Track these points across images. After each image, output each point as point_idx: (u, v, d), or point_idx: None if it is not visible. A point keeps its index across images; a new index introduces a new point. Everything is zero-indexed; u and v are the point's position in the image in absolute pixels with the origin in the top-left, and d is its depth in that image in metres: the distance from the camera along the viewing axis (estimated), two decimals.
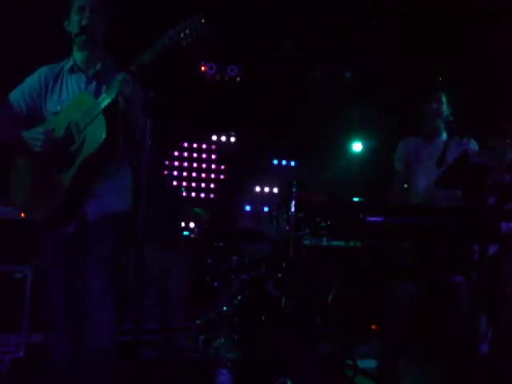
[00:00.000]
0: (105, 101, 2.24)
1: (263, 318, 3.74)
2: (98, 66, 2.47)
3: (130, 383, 2.47)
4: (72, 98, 2.42)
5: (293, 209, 3.92)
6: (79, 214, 2.40)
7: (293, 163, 7.21)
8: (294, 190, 3.89)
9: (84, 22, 2.37)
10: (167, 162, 7.01)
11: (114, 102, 2.24)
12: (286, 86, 6.34)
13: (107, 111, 2.24)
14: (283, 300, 3.76)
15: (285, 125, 6.63)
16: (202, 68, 6.49)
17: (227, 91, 6.46)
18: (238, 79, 6.47)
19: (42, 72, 2.49)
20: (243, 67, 6.48)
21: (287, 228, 4.04)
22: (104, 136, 2.22)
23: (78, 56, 2.48)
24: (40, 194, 2.39)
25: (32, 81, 2.48)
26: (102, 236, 2.43)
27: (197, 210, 4.95)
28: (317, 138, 6.67)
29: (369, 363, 3.96)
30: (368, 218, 2.43)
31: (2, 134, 2.41)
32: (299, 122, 6.54)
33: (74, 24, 2.41)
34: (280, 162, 7.16)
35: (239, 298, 3.96)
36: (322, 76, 6.23)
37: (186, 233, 4.97)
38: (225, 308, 4.00)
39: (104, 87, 2.35)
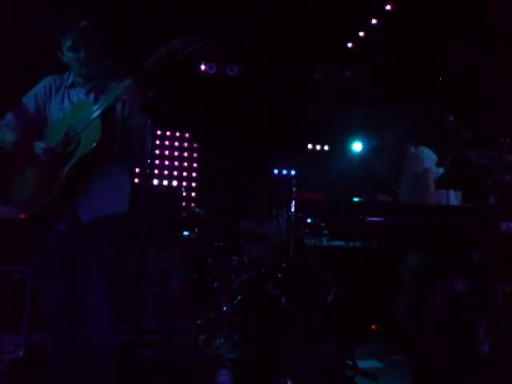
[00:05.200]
0: (102, 106, 2.36)
1: (263, 318, 3.74)
2: (94, 82, 2.59)
3: (130, 383, 2.47)
4: (73, 106, 2.55)
5: (293, 209, 3.93)
6: (72, 214, 2.42)
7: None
8: (293, 189, 3.89)
9: (80, 67, 2.50)
10: (167, 163, 7.03)
11: (111, 107, 2.38)
12: (286, 86, 6.34)
13: (104, 116, 2.36)
14: (283, 300, 3.76)
15: (285, 125, 6.64)
16: (202, 68, 6.50)
17: (227, 91, 6.47)
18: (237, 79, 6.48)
19: (46, 81, 2.63)
20: (243, 67, 6.49)
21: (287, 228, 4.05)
22: (97, 139, 2.33)
23: (76, 78, 2.60)
24: (38, 191, 2.44)
25: (39, 88, 2.62)
26: (100, 237, 2.45)
27: (197, 209, 4.95)
28: (317, 137, 6.68)
29: (369, 363, 3.96)
30: (368, 219, 2.43)
31: (20, 141, 2.49)
32: (299, 122, 6.54)
33: (69, 59, 2.51)
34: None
35: (239, 297, 3.96)
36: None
37: (186, 233, 4.96)
38: (225, 308, 3.99)
39: (102, 97, 2.46)
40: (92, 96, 2.55)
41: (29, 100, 2.58)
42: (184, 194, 6.83)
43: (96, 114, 2.36)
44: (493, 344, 2.78)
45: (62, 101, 2.58)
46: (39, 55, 4.09)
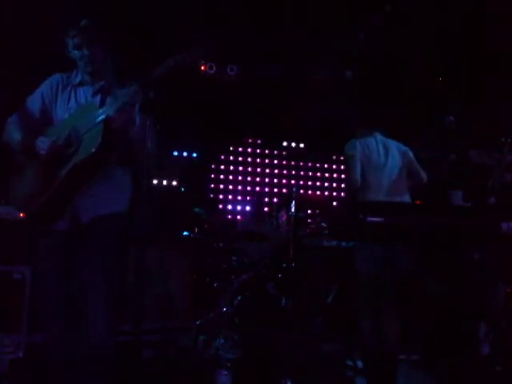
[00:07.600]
0: (107, 111, 2.34)
1: (263, 318, 3.74)
2: (102, 82, 2.57)
3: (130, 383, 2.47)
4: (79, 106, 2.54)
5: (293, 209, 3.93)
6: (72, 214, 2.42)
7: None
8: (293, 190, 3.90)
9: (86, 65, 2.49)
10: None
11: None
12: (286, 86, 6.34)
13: (107, 122, 2.33)
14: (283, 300, 3.77)
15: (285, 124, 6.64)
16: (202, 68, 6.50)
17: (227, 91, 6.47)
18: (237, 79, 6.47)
19: (53, 79, 2.61)
20: (243, 67, 6.48)
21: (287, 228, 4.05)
22: (97, 144, 2.32)
23: (83, 76, 2.59)
24: (37, 189, 2.43)
25: (45, 87, 2.59)
26: (100, 237, 2.44)
27: (197, 209, 4.95)
28: (317, 137, 6.68)
29: None
30: (368, 219, 2.42)
31: (26, 139, 2.48)
32: (299, 122, 6.54)
33: (75, 57, 2.50)
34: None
35: (239, 298, 3.96)
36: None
37: (185, 233, 4.96)
38: (225, 308, 4.00)
39: (108, 99, 2.44)
40: (99, 97, 2.54)
41: (35, 99, 2.57)
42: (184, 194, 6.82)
43: (100, 118, 2.34)
44: (493, 344, 2.79)
45: (69, 100, 2.56)
46: (41, 55, 4.09)
